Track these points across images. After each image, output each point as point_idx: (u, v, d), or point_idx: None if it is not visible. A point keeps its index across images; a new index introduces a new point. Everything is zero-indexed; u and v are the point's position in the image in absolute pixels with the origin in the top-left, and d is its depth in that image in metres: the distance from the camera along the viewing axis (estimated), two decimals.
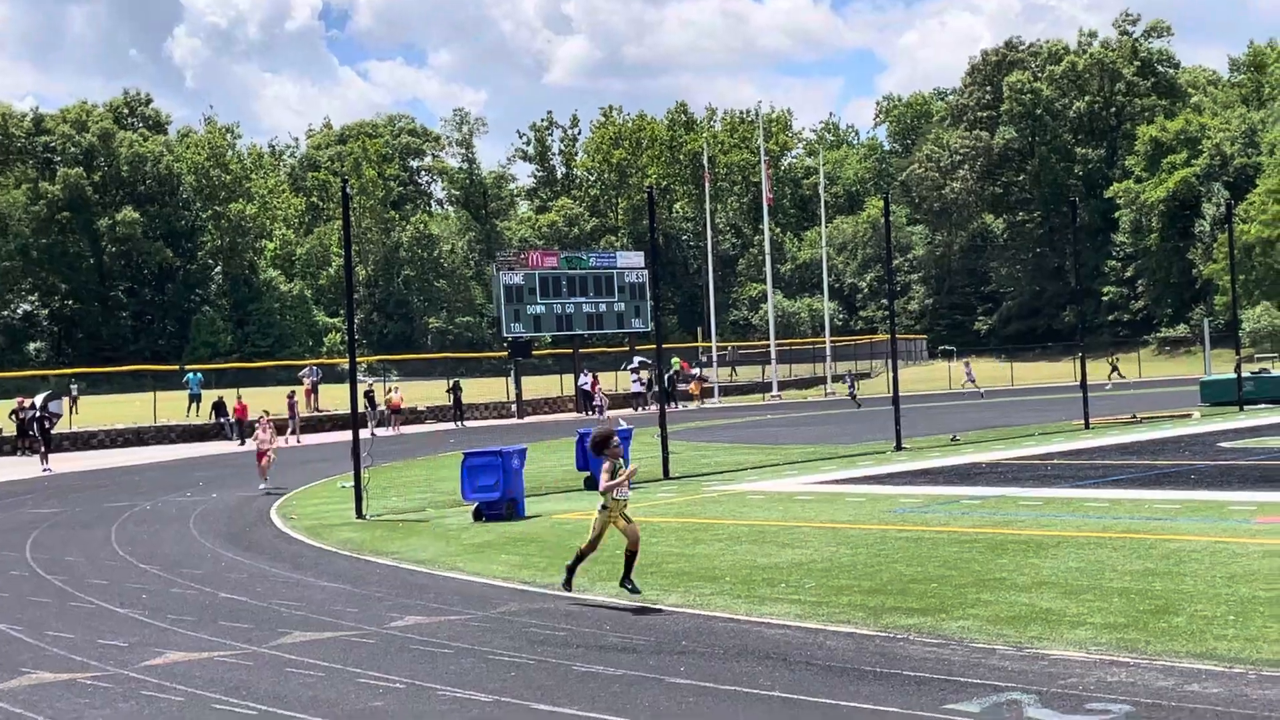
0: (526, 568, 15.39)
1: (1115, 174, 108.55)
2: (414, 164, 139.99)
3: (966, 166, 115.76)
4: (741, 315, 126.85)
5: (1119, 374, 62.80)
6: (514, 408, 57.07)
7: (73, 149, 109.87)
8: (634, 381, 60.61)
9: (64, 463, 39.02)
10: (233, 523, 21.80)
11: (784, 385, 70.57)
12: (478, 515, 20.08)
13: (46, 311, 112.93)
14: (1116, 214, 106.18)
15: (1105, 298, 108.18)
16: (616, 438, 13.04)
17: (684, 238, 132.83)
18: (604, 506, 12.83)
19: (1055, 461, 24.33)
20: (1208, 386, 39.40)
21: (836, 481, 22.99)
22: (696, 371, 65.39)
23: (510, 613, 12.64)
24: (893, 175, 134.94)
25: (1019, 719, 8.18)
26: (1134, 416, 34.37)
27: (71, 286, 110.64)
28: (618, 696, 9.16)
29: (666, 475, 25.11)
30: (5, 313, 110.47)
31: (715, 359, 73.46)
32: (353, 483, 21.90)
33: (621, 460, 13.11)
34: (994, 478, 22.20)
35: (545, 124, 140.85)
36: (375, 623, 12.39)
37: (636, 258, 61.86)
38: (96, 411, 54.81)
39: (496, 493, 19.93)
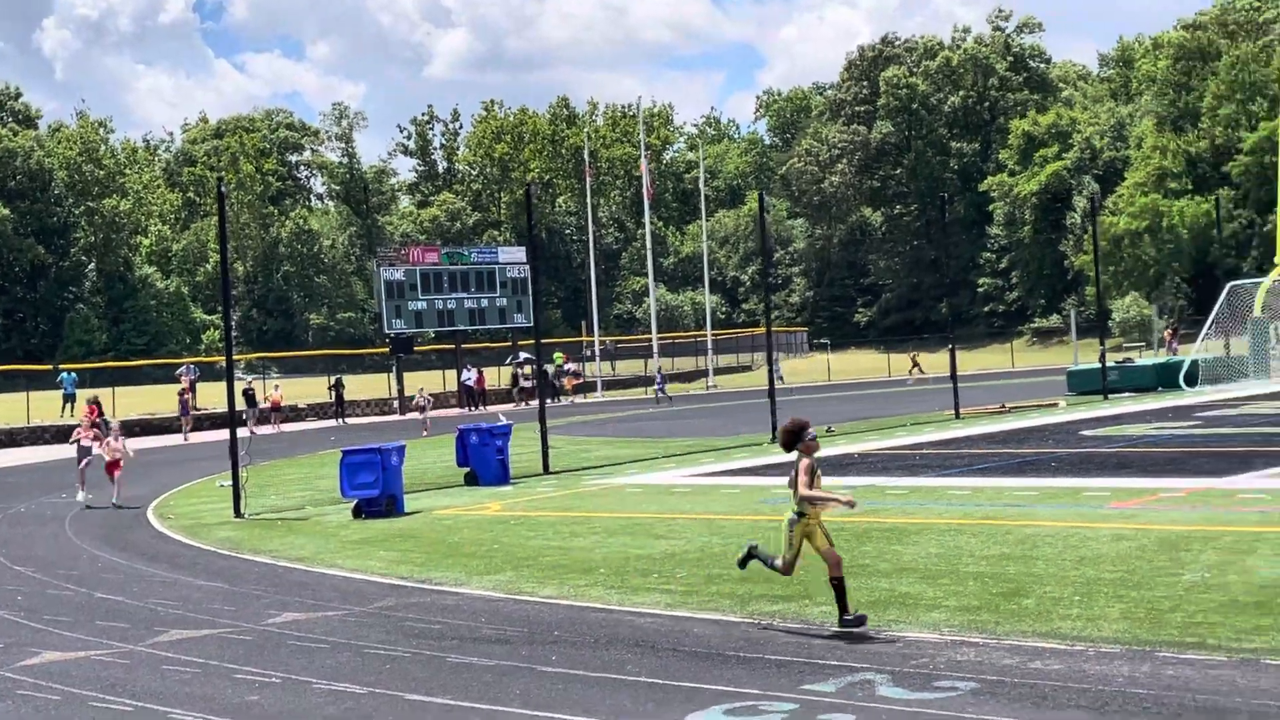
0: (404, 563, 15.58)
1: (989, 167, 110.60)
2: (293, 158, 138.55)
3: (845, 160, 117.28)
4: (625, 309, 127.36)
5: (920, 370, 63.75)
6: (396, 404, 56.95)
7: None
8: (522, 377, 60.90)
9: None
10: (109, 524, 21.67)
11: (666, 378, 70.95)
12: (357, 513, 20.20)
13: None
14: (991, 207, 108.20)
15: (981, 289, 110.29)
16: (812, 429, 10.91)
17: (567, 232, 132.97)
18: (800, 515, 10.71)
19: (924, 452, 24.98)
20: (1074, 376, 40.51)
21: (713, 474, 23.42)
22: (569, 367, 65.55)
23: (387, 608, 12.85)
24: (773, 169, 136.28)
25: (870, 696, 8.59)
26: (1003, 406, 35.27)
27: None
28: (489, 686, 9.43)
29: (546, 470, 25.38)
30: None
31: (598, 353, 73.80)
32: (231, 481, 21.90)
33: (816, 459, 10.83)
34: (864, 468, 22.77)
35: (426, 118, 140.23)
36: (252, 620, 12.53)
37: (518, 253, 61.96)
38: None
39: (376, 490, 20.07)
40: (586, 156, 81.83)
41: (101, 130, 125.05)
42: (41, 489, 29.11)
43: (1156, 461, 20.77)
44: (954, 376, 33.98)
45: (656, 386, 57.58)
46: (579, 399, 63.86)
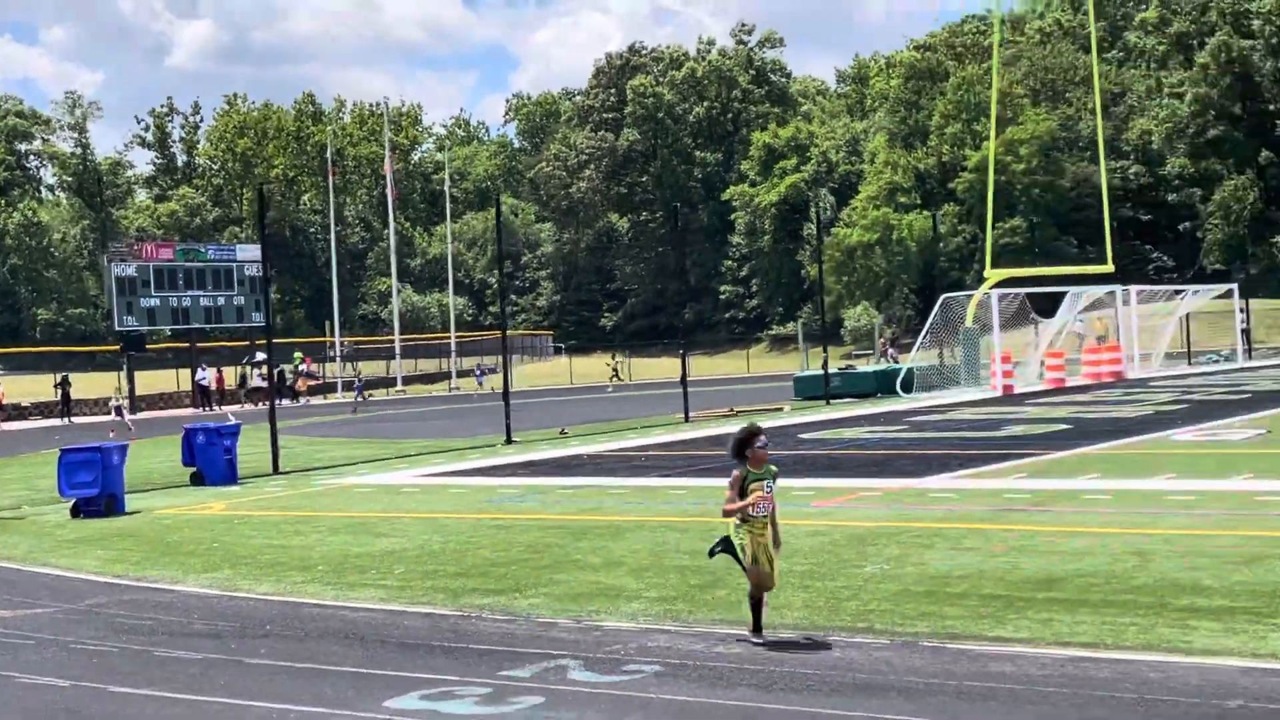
0: (120, 562, 15.51)
1: (732, 177, 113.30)
2: (22, 148, 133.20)
3: (593, 166, 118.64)
4: (371, 309, 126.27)
5: (618, 376, 65.07)
6: (127, 404, 55.44)
7: None
8: (257, 376, 59.98)
9: None
10: None
11: (410, 380, 70.93)
12: (75, 512, 19.89)
13: None
14: (733, 216, 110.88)
15: (723, 296, 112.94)
16: (764, 437, 10.33)
17: (311, 230, 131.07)
18: (742, 521, 10.04)
19: (650, 453, 25.76)
20: (800, 382, 42.09)
21: (444, 474, 23.75)
22: (303, 368, 64.80)
23: (98, 605, 12.85)
24: (522, 173, 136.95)
25: (562, 680, 9.10)
26: (731, 410, 36.46)
27: None
28: (195, 678, 9.62)
29: (276, 470, 25.32)
30: None
31: (339, 354, 73.16)
32: None
33: (771, 469, 10.30)
34: (592, 469, 23.40)
35: (165, 110, 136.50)
36: None
37: (257, 251, 61.00)
38: None
39: (95, 489, 19.80)
40: (331, 155, 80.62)
41: None
42: None
43: (862, 463, 21.91)
44: (684, 381, 35.02)
45: (355, 391, 56.41)
46: (315, 400, 63.15)
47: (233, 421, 24.75)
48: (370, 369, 78.11)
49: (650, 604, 11.52)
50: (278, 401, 46.95)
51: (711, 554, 10.46)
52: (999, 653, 9.26)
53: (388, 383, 71.12)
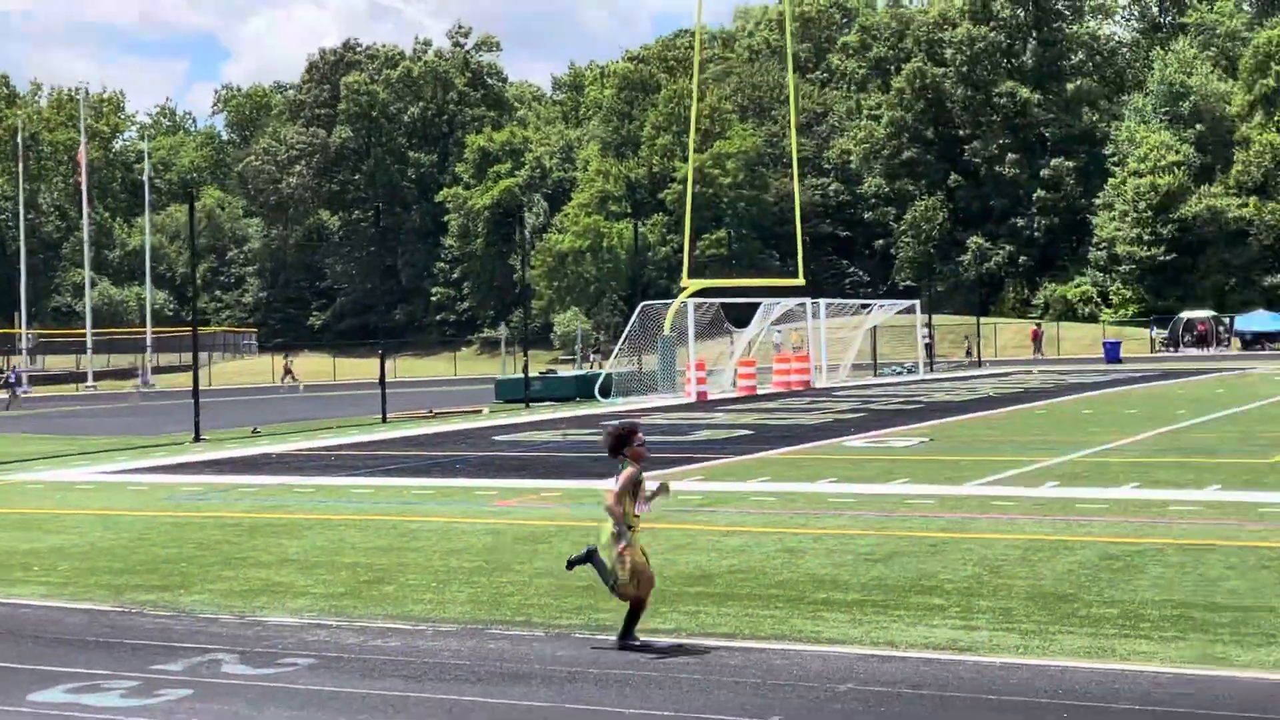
0: None
1: (447, 179, 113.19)
2: None
3: (304, 162, 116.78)
4: (65, 301, 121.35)
5: (292, 377, 63.09)
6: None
7: None
8: None
9: None
10: None
11: (101, 375, 68.59)
12: None
13: None
14: (446, 218, 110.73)
15: (434, 298, 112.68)
16: (642, 434, 9.73)
17: (1, 217, 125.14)
18: (621, 532, 9.44)
19: (341, 453, 25.70)
20: (502, 385, 42.49)
21: (125, 471, 23.21)
22: None
23: None
24: (230, 165, 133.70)
25: (215, 673, 9.16)
26: (430, 411, 36.57)
27: None
28: None
29: None
30: None
31: (25, 347, 70.20)
32: None
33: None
34: (280, 467, 23.24)
35: None
36: None
37: None
38: None
39: None
40: (21, 139, 77.20)
41: None
42: None
43: (550, 465, 22.37)
44: (383, 381, 34.96)
45: (8, 385, 51.26)
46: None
47: None
48: (61, 363, 75.23)
49: (316, 600, 11.64)
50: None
51: (570, 566, 9.90)
52: (644, 643, 9.72)
53: (78, 378, 68.54)
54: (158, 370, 72.59)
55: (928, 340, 68.26)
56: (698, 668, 8.97)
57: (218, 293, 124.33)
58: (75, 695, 8.67)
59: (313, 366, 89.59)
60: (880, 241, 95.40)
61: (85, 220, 73.41)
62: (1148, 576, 11.44)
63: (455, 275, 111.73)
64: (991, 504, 16.21)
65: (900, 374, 54.59)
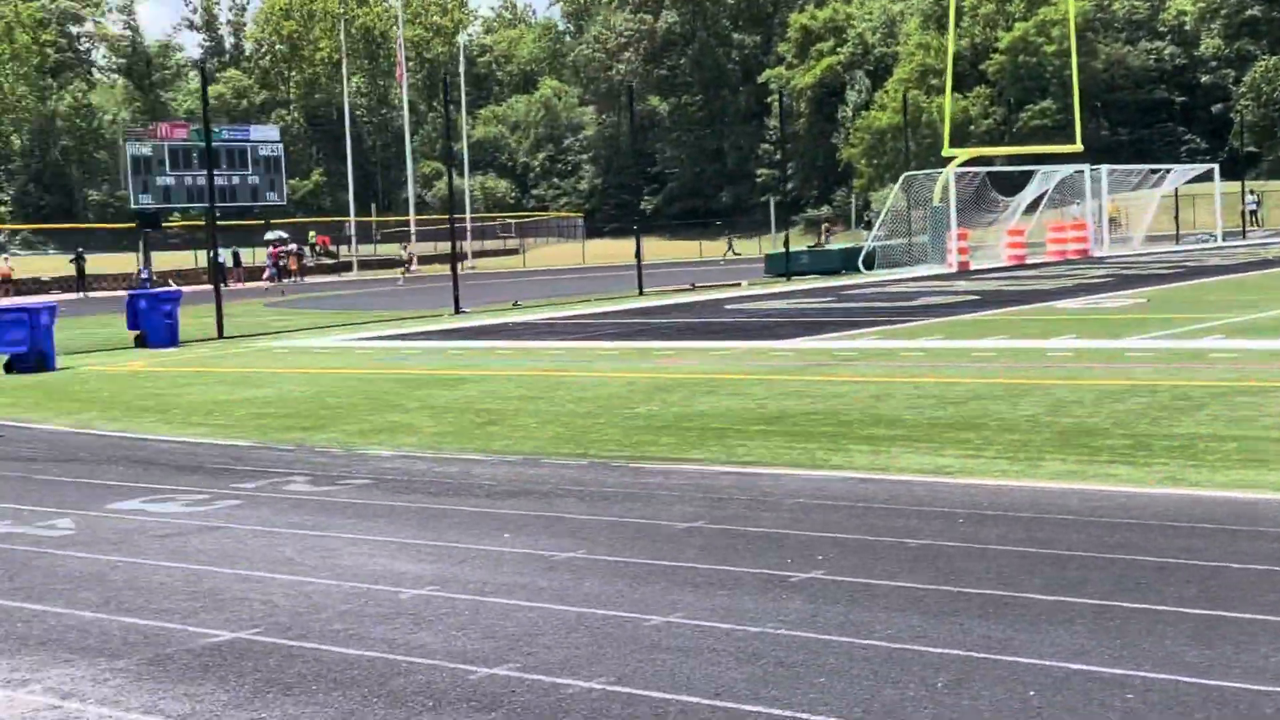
0: (12, 406, 17.03)
1: (770, 60, 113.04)
2: (74, 29, 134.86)
3: (632, 49, 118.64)
4: (417, 192, 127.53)
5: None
6: (143, 278, 57.32)
7: None
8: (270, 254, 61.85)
9: None
10: None
11: (428, 260, 72.06)
12: (9, 368, 21.46)
13: None
14: (769, 99, 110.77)
15: (759, 179, 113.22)
16: None
17: (358, 113, 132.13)
18: None
19: (575, 321, 26.98)
20: (771, 259, 43.05)
21: (365, 338, 25.17)
22: (290, 248, 65.48)
23: None
24: (565, 55, 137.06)
25: (276, 490, 10.45)
26: (691, 285, 37.57)
27: None
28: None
29: (221, 335, 26.85)
30: None
31: (353, 235, 74.64)
32: None
33: None
34: (502, 333, 24.71)
35: None
36: None
37: (271, 131, 62.55)
38: None
39: (24, 346, 21.35)
40: (400, 43, 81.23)
41: None
42: None
43: (748, 329, 23.01)
44: (639, 258, 36.07)
45: (269, 273, 52.77)
46: (297, 280, 64.11)
47: (174, 288, 26.22)
48: (423, 249, 79.86)
49: (422, 437, 12.82)
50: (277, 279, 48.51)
51: None
52: (674, 470, 10.50)
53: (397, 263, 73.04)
54: (479, 255, 76.14)
55: (1254, 206, 64.96)
56: (693, 488, 9.70)
57: (554, 180, 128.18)
58: (146, 504, 10.10)
59: (618, 250, 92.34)
60: (1218, 106, 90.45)
61: (406, 112, 77.01)
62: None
63: (778, 156, 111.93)
64: (1125, 355, 16.11)
65: (1206, 242, 52.32)
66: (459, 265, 33.72)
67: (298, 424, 14.11)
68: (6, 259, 53.39)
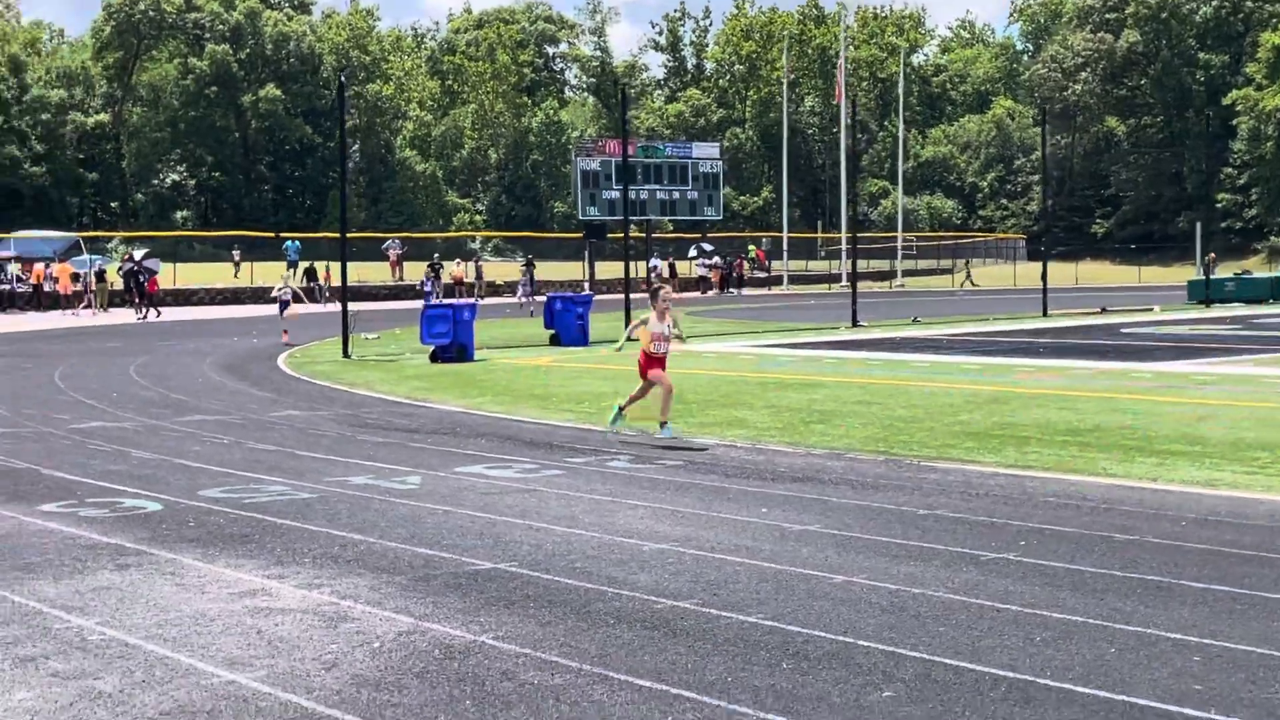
0: (424, 389, 19.20)
1: (1238, 81, 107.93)
2: (549, 50, 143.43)
3: (1090, 68, 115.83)
4: (862, 211, 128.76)
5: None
6: (586, 286, 60.92)
7: (220, 26, 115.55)
8: (699, 265, 64.45)
9: (164, 314, 43.83)
10: (240, 358, 25.99)
11: (863, 276, 73.03)
12: (434, 358, 23.98)
13: (194, 182, 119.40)
14: (1235, 121, 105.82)
15: (1220, 204, 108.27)
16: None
17: (810, 132, 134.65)
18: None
19: (962, 339, 27.42)
20: (1193, 285, 41.71)
21: (759, 345, 26.50)
22: (715, 261, 66.94)
23: (364, 412, 16.53)
24: (1020, 75, 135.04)
25: (599, 465, 11.83)
26: (1102, 309, 37.03)
27: (217, 159, 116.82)
28: (355, 449, 12.98)
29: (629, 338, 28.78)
30: (155, 181, 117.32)
31: (785, 249, 76.38)
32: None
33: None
34: (886, 345, 25.49)
35: (678, 14, 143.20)
36: (256, 413, 16.39)
37: (712, 149, 65.05)
38: (203, 274, 60.25)
39: (447, 339, 23.82)
40: (844, 59, 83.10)
41: (369, 19, 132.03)
42: (219, 334, 33.78)
43: (1127, 351, 22.94)
44: (1045, 279, 35.91)
45: (522, 292, 50.81)
46: (719, 293, 65.94)
47: (587, 293, 28.33)
48: (825, 267, 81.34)
49: (750, 430, 13.96)
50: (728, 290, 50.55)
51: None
52: (956, 469, 11.24)
53: (833, 278, 74.28)
54: (909, 274, 76.52)
55: None
56: (958, 487, 10.43)
57: (1003, 200, 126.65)
58: (486, 469, 11.67)
59: (1096, 272, 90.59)
60: None
61: (843, 130, 77.99)
62: None
63: (1242, 181, 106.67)
64: None
65: None
66: (889, 283, 34.60)
67: (643, 414, 15.46)
68: (459, 263, 57.97)
